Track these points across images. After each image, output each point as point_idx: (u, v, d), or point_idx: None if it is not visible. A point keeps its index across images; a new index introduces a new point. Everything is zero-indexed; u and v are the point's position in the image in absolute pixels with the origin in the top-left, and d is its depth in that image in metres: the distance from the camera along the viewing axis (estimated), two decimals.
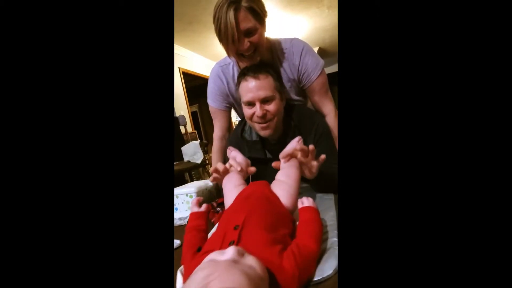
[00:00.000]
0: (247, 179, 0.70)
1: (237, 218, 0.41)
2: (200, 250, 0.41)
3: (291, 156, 0.60)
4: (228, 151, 0.80)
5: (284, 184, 0.55)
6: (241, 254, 0.31)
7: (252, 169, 0.68)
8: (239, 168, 0.65)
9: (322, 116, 0.89)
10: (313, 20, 3.35)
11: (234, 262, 0.29)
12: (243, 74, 0.76)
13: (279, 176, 0.59)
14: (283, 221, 0.44)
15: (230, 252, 0.31)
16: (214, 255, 0.32)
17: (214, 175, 0.65)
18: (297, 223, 0.45)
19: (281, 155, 0.61)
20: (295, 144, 0.65)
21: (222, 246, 0.37)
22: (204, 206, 0.54)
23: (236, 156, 0.73)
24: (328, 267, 0.38)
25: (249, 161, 0.73)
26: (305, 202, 0.48)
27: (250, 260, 0.31)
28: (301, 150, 0.59)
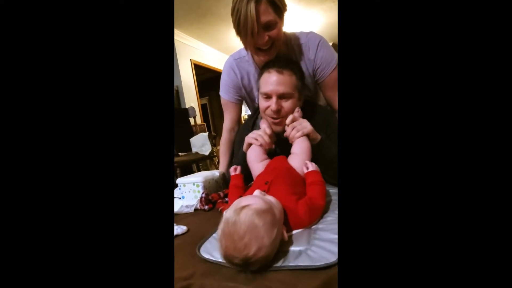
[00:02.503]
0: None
1: (267, 177, 0.58)
2: None
3: (293, 120, 0.72)
4: (261, 122, 0.82)
5: (297, 156, 0.68)
6: (263, 194, 0.48)
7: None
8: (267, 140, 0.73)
9: (334, 112, 0.89)
10: (328, 15, 3.29)
11: (257, 195, 0.47)
12: (267, 66, 0.75)
13: (293, 149, 0.70)
14: (299, 184, 0.60)
15: (255, 192, 0.49)
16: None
17: (254, 141, 0.72)
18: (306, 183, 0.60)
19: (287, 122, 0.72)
20: (296, 113, 0.75)
21: None
22: (239, 169, 0.71)
23: (266, 129, 0.76)
24: (331, 254, 0.39)
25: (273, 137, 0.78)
26: (310, 167, 0.62)
27: (269, 197, 0.47)
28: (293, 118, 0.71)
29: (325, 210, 0.56)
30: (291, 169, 0.65)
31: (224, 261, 0.40)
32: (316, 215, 0.52)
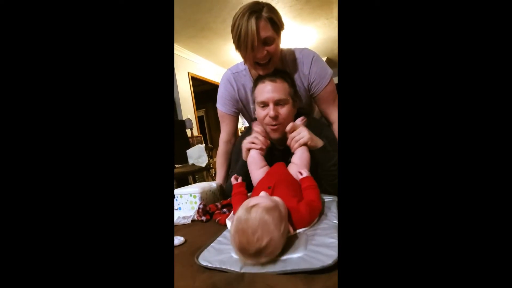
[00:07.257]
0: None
1: (270, 182, 0.64)
2: None
3: (294, 129, 0.75)
4: (253, 124, 0.85)
5: (295, 166, 0.71)
6: (268, 195, 0.54)
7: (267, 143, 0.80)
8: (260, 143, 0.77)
9: (328, 124, 0.93)
10: (322, 31, 3.40)
11: (264, 196, 0.52)
12: (260, 78, 0.81)
13: (292, 159, 0.74)
14: (297, 188, 0.65)
15: (261, 193, 0.55)
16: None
17: (252, 145, 0.76)
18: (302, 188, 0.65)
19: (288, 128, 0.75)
20: (298, 121, 0.79)
21: None
22: (240, 178, 0.73)
23: (258, 132, 0.80)
24: (327, 257, 0.41)
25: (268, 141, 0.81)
26: (304, 173, 0.67)
27: (274, 197, 0.53)
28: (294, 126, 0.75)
29: (320, 216, 0.60)
30: (290, 175, 0.70)
31: (236, 256, 0.45)
32: (315, 215, 0.58)
